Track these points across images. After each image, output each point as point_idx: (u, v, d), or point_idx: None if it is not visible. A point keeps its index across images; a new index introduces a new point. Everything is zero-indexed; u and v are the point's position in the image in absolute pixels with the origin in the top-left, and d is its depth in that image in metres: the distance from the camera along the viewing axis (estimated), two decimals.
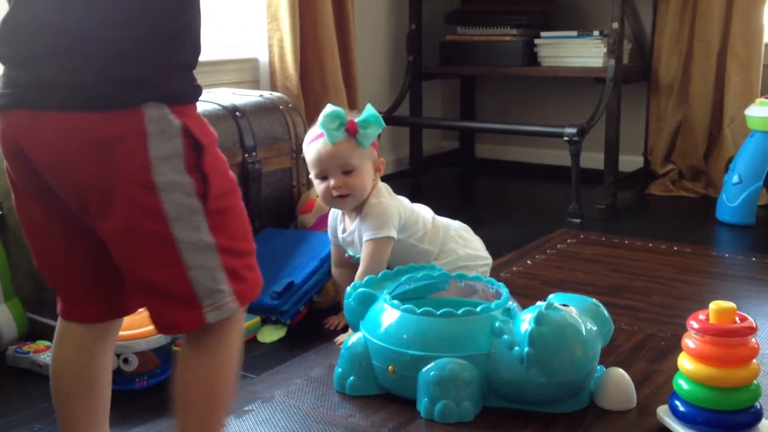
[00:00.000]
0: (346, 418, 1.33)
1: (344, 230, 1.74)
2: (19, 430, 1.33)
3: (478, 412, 1.33)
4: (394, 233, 1.67)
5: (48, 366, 1.51)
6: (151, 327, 1.46)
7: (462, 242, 1.80)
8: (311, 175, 1.71)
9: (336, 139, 1.62)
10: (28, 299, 1.69)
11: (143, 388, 1.46)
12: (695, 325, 1.20)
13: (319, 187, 1.68)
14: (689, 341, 1.22)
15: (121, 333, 1.43)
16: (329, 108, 1.63)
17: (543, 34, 2.99)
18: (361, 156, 1.65)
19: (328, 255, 1.82)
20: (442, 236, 1.78)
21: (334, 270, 1.81)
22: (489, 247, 1.89)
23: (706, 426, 1.20)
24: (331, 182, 1.65)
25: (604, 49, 2.81)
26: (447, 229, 1.80)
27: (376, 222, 1.66)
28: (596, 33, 2.87)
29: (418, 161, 3.26)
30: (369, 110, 1.65)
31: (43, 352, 1.56)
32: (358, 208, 1.69)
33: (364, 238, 1.67)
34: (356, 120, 1.63)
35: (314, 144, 1.66)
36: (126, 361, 1.44)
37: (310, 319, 1.80)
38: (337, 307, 1.80)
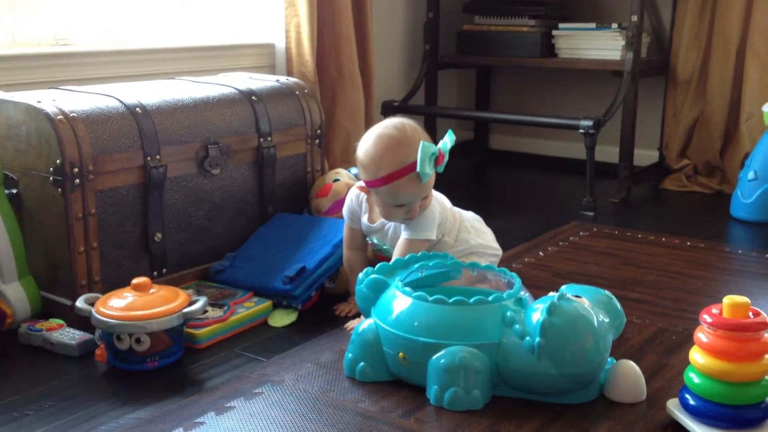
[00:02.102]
0: (356, 403, 1.34)
1: (372, 219, 1.74)
2: (30, 407, 1.34)
3: (487, 401, 1.33)
4: (434, 235, 1.68)
5: (60, 344, 1.53)
6: (163, 308, 1.47)
7: (474, 233, 1.80)
8: (377, 196, 1.64)
9: (429, 177, 1.59)
10: (42, 278, 1.70)
11: (155, 368, 1.47)
12: (708, 318, 1.20)
13: (390, 209, 1.63)
14: (701, 335, 1.21)
15: (133, 313, 1.45)
16: (428, 148, 1.55)
17: (561, 25, 2.98)
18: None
19: (341, 241, 1.83)
20: (457, 226, 1.78)
21: (346, 252, 1.80)
22: (501, 237, 1.89)
23: (716, 420, 1.19)
24: (411, 209, 1.62)
25: (623, 42, 2.79)
26: (461, 219, 1.81)
27: (422, 224, 1.66)
28: (615, 25, 2.86)
29: None
30: (451, 137, 1.60)
31: (55, 330, 1.57)
32: None
33: (404, 236, 1.67)
34: (444, 151, 1.59)
35: (401, 182, 1.58)
36: (138, 341, 1.45)
37: (321, 304, 1.80)
38: (348, 294, 1.80)
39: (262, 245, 1.91)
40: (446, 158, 1.61)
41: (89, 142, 1.63)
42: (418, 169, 1.56)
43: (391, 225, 1.71)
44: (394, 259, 1.63)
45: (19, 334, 1.60)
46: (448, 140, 1.60)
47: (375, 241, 1.77)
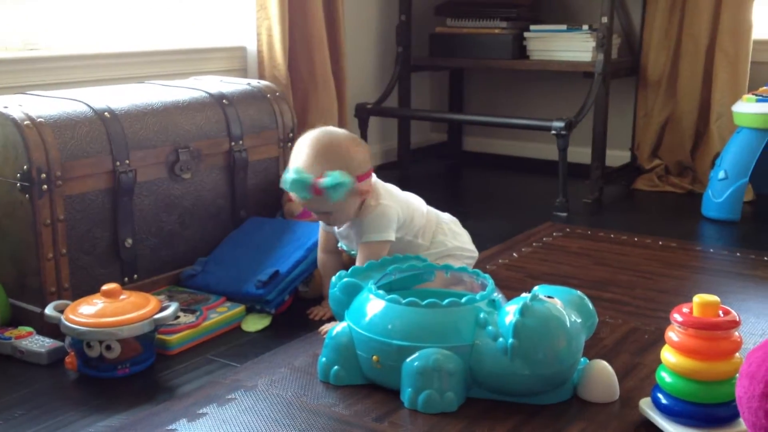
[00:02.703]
0: (330, 408, 1.33)
1: None
2: (0, 416, 1.32)
3: (461, 402, 1.33)
4: (392, 236, 1.67)
5: (30, 351, 1.51)
6: (134, 314, 1.46)
7: (451, 235, 1.80)
8: None
9: (306, 198, 1.59)
10: (11, 285, 1.67)
11: (125, 376, 1.45)
12: (678, 318, 1.20)
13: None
14: (672, 334, 1.22)
15: (103, 320, 1.43)
16: (298, 174, 1.57)
17: (532, 27, 3.00)
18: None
19: (315, 244, 1.82)
20: (433, 228, 1.78)
21: (320, 255, 1.80)
22: (475, 239, 1.89)
23: (687, 419, 1.20)
24: (320, 216, 1.68)
25: (593, 44, 2.81)
26: (438, 221, 1.80)
27: (376, 225, 1.65)
28: (585, 27, 2.88)
29: (406, 153, 3.25)
30: (333, 178, 1.56)
31: (25, 338, 1.55)
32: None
33: (362, 240, 1.66)
34: (320, 186, 1.56)
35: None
36: (108, 348, 1.43)
37: (295, 308, 1.79)
38: (322, 298, 1.79)
39: (235, 249, 1.90)
40: (331, 192, 1.56)
41: (57, 148, 1.61)
42: (282, 185, 1.58)
43: (352, 229, 1.70)
44: (357, 263, 1.64)
45: None
46: (330, 179, 1.56)
47: (344, 247, 1.76)
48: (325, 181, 1.56)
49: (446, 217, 1.85)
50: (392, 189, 1.75)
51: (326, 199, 1.57)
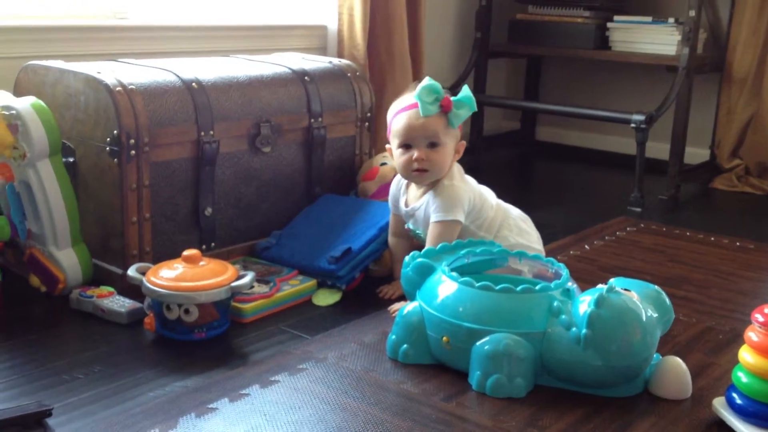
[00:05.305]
0: (398, 384, 1.34)
1: (407, 203, 1.74)
2: (80, 371, 1.37)
3: (530, 389, 1.33)
4: (462, 217, 1.67)
5: (111, 311, 1.56)
6: (212, 280, 1.49)
7: (517, 231, 1.76)
8: (392, 146, 1.71)
9: (429, 113, 1.63)
10: (95, 245, 1.73)
11: (201, 340, 1.49)
12: (760, 318, 1.18)
13: (400, 158, 1.68)
14: (752, 334, 1.19)
15: (183, 284, 1.48)
16: (427, 81, 1.64)
17: (616, 18, 2.94)
18: (447, 133, 1.66)
19: (387, 224, 1.83)
20: (499, 222, 1.77)
21: (390, 239, 1.82)
22: (546, 230, 1.86)
23: (763, 420, 1.18)
24: (415, 154, 1.65)
25: (679, 37, 2.75)
26: (506, 215, 1.78)
27: (447, 204, 1.66)
28: (671, 20, 2.81)
29: (479, 140, 3.24)
30: (465, 91, 1.66)
31: (106, 298, 1.60)
32: (430, 185, 1.69)
33: (432, 219, 1.67)
34: (452, 99, 1.64)
35: (404, 114, 1.66)
36: (187, 311, 1.47)
37: (365, 286, 1.81)
38: (391, 277, 1.81)
39: (309, 225, 1.93)
40: (458, 110, 1.64)
41: (146, 115, 1.66)
42: (415, 95, 1.63)
43: (421, 208, 1.70)
44: (428, 243, 1.65)
45: (71, 300, 1.63)
46: (462, 92, 1.65)
47: (410, 226, 1.77)
48: (460, 94, 1.64)
49: (516, 212, 1.82)
50: (468, 177, 1.75)
51: (447, 120, 1.64)
